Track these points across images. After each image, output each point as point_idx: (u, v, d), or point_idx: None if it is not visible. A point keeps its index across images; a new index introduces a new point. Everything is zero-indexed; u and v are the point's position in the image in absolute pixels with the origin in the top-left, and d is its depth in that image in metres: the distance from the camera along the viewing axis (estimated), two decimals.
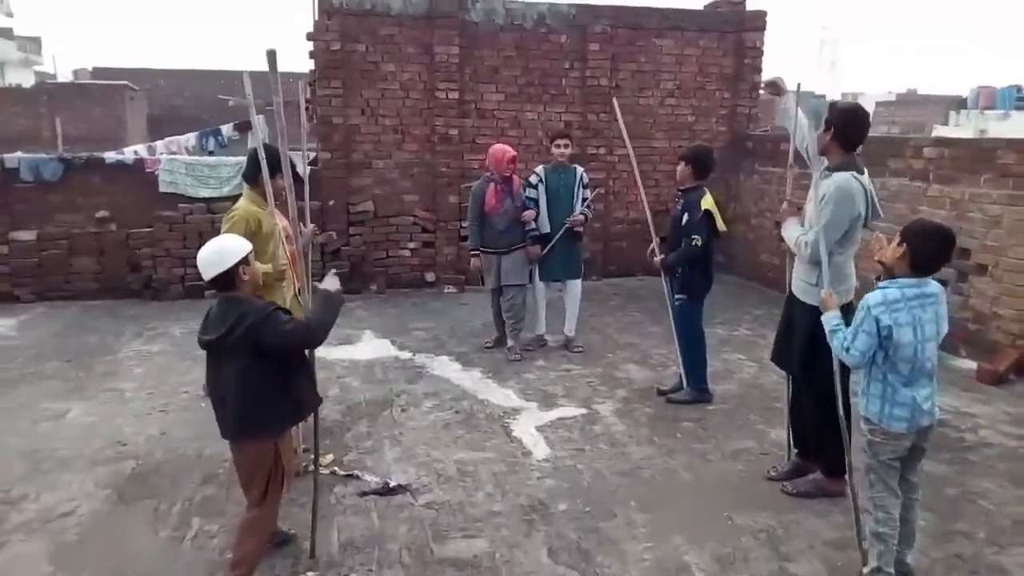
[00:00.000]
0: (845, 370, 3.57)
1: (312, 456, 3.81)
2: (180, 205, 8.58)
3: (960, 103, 32.70)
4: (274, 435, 3.20)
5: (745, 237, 9.67)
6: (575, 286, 6.72)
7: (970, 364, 6.28)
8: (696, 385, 5.48)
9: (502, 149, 6.40)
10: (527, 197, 6.46)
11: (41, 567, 3.45)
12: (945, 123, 29.06)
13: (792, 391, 4.33)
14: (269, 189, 3.81)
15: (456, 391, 5.76)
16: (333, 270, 3.68)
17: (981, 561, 3.54)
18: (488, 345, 6.80)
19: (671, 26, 9.75)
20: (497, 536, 3.73)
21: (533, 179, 6.51)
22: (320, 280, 3.55)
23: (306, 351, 3.30)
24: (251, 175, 4.34)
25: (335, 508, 3.98)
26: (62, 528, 3.78)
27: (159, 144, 12.49)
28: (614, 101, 6.32)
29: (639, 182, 5.89)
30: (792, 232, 4.01)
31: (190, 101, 30.46)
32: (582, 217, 6.49)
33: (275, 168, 4.07)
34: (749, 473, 4.43)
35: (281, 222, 4.35)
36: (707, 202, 5.17)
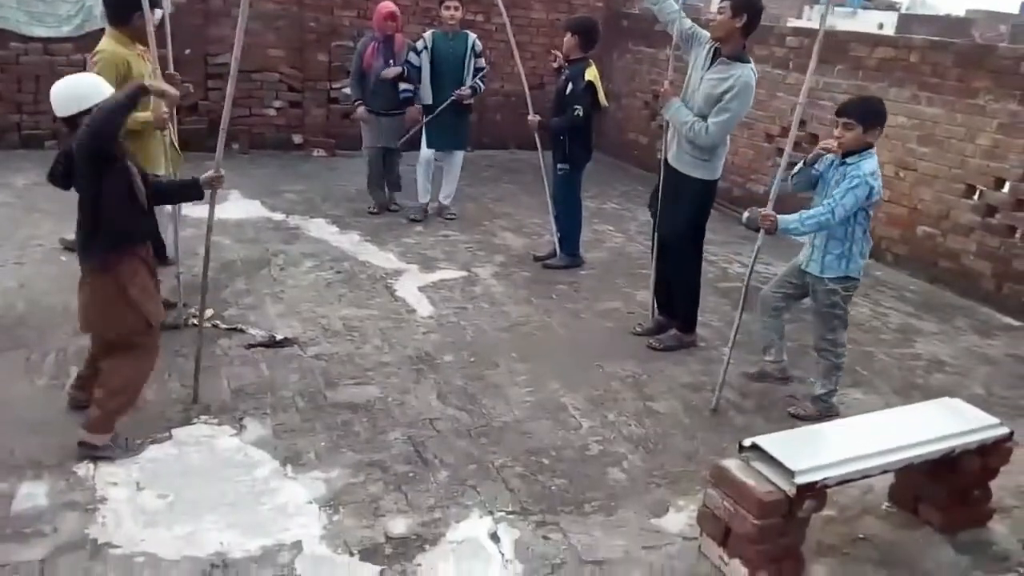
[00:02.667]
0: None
1: (192, 311, 3.74)
2: (12, 44, 7.62)
3: None
4: (106, 269, 3.03)
5: (614, 116, 9.92)
6: (457, 156, 6.60)
7: None
8: (570, 251, 5.78)
9: (383, 5, 6.18)
10: (407, 62, 6.18)
11: None
12: (799, 16, 30.36)
13: (660, 257, 4.67)
14: (151, 27, 3.55)
15: (335, 252, 5.74)
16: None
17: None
18: (372, 211, 6.65)
19: None
20: (388, 383, 3.90)
21: (419, 44, 6.18)
22: None
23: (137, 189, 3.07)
24: (118, 14, 3.97)
25: (221, 359, 3.98)
26: None
27: None
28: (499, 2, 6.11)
29: (516, 53, 5.85)
30: (681, 115, 4.20)
31: None
32: (470, 91, 6.20)
33: (137, 5, 3.78)
34: (617, 329, 4.81)
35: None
36: (591, 74, 5.29)
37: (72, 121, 2.96)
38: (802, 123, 7.10)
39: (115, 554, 2.59)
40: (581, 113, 5.28)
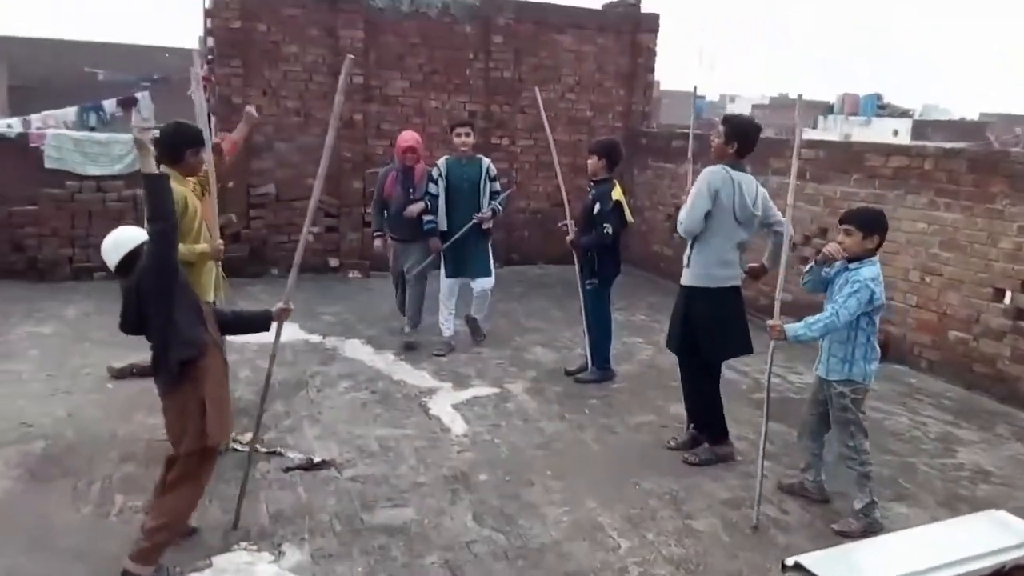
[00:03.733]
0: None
1: (234, 436, 3.85)
2: (67, 183, 8.18)
3: (827, 108, 35.20)
4: (179, 382, 3.18)
5: (639, 229, 10.16)
6: (482, 283, 6.40)
7: None
8: (601, 365, 5.84)
9: (402, 137, 6.33)
10: (427, 192, 6.18)
11: None
12: (814, 127, 31.17)
13: (682, 370, 4.72)
14: (210, 157, 3.84)
15: (371, 372, 5.87)
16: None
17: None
18: (407, 335, 6.46)
19: (571, 23, 10.12)
20: (424, 505, 3.91)
21: (434, 172, 6.19)
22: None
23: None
24: (172, 154, 4.29)
25: (260, 483, 4.04)
26: None
27: (34, 118, 11.75)
28: (536, 91, 6.51)
29: (558, 169, 6.10)
30: (680, 215, 4.46)
31: (55, 73, 28.54)
32: (490, 213, 6.19)
33: (196, 143, 4.10)
34: (652, 443, 4.80)
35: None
36: (617, 193, 5.53)
37: (123, 269, 3.19)
38: (824, 231, 7.29)
39: None
40: (611, 231, 5.47)
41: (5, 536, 3.46)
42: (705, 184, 4.28)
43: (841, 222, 3.86)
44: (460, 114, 9.57)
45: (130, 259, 3.18)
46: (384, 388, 5.55)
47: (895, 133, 27.46)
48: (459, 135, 6.18)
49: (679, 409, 4.93)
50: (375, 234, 6.59)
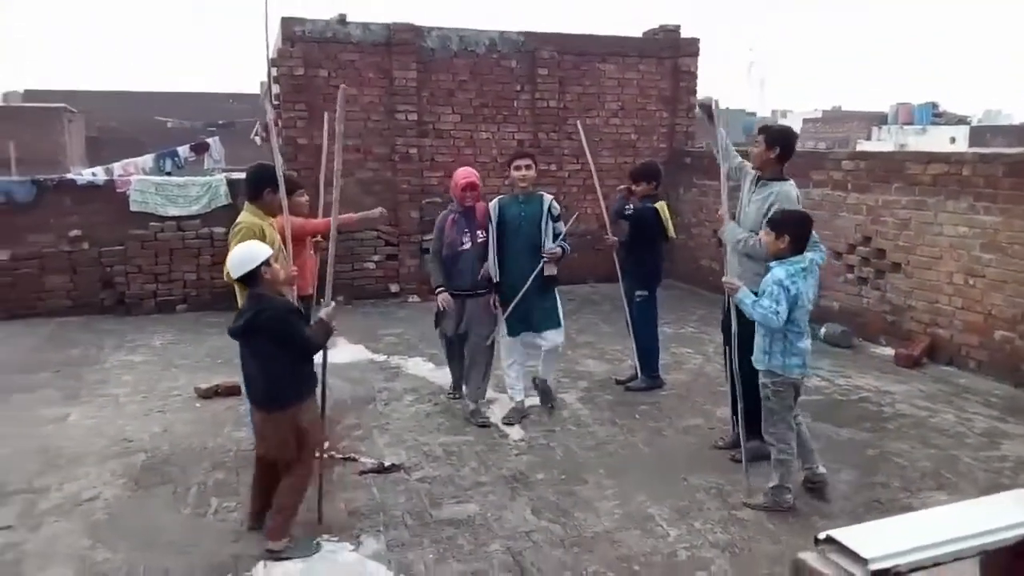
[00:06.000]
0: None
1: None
2: (151, 224, 8.88)
3: (881, 119, 34.77)
4: (286, 409, 3.67)
5: (686, 245, 10.42)
6: (554, 338, 5.47)
7: (888, 351, 7.08)
8: (650, 373, 6.12)
9: (459, 174, 5.39)
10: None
11: (81, 541, 3.82)
12: (868, 138, 30.84)
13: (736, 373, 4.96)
14: (285, 203, 4.32)
15: (433, 387, 6.26)
16: (332, 302, 4.06)
17: (895, 504, 4.20)
18: (451, 396, 5.87)
19: (613, 52, 10.52)
20: (486, 501, 4.25)
21: None
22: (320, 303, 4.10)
23: None
24: (252, 192, 4.78)
25: (338, 485, 4.44)
26: (90, 510, 4.15)
27: (116, 167, 12.67)
28: (579, 124, 6.90)
29: (599, 193, 6.51)
30: (735, 233, 4.62)
31: (127, 123, 30.31)
32: (559, 251, 5.26)
33: (271, 183, 4.57)
34: (700, 444, 5.06)
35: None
36: (659, 206, 5.88)
37: (244, 280, 3.68)
38: (868, 239, 7.45)
39: None
40: (631, 216, 5.89)
41: (119, 535, 3.91)
42: (791, 203, 4.39)
43: (766, 222, 4.13)
44: (509, 143, 10.04)
45: (251, 275, 3.66)
46: (445, 401, 5.92)
47: (952, 140, 27.01)
48: (518, 168, 5.28)
49: (726, 412, 5.16)
50: (438, 290, 5.37)
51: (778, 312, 3.87)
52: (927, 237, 6.81)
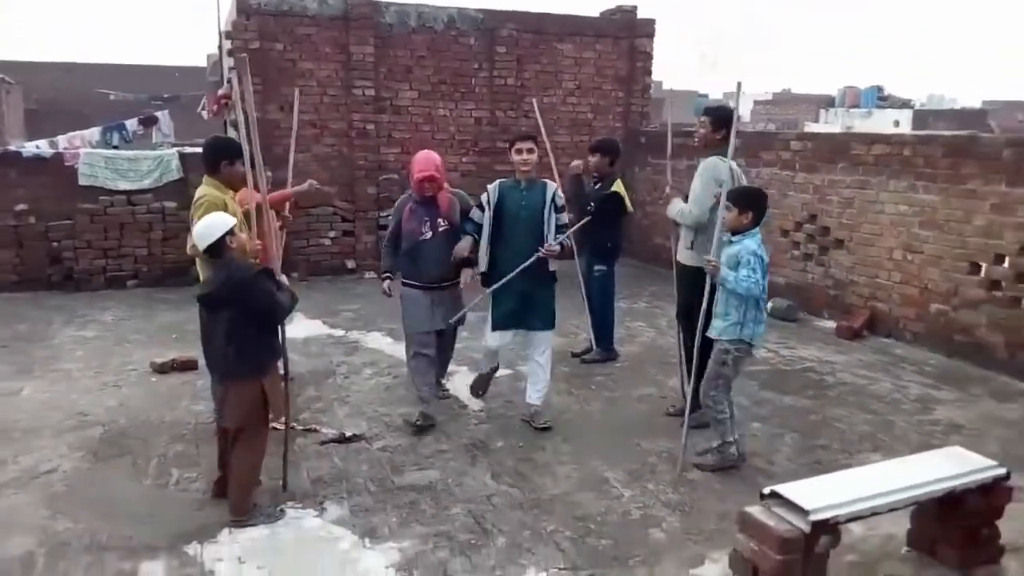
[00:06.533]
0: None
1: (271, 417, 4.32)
2: (100, 198, 8.69)
3: (829, 102, 35.51)
4: (254, 378, 3.71)
5: (640, 224, 10.61)
6: (542, 339, 4.96)
7: (831, 324, 7.38)
8: (606, 347, 6.28)
9: (418, 163, 4.82)
10: (469, 221, 4.88)
11: (40, 512, 3.82)
12: (816, 120, 31.48)
13: (690, 345, 5.14)
14: (251, 177, 4.25)
15: (392, 360, 6.32)
16: (283, 276, 4.12)
17: (835, 464, 4.43)
18: (417, 423, 4.87)
19: (571, 31, 10.60)
20: (447, 467, 4.36)
21: (484, 198, 4.87)
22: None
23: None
24: (209, 166, 4.73)
25: (300, 455, 4.49)
26: (49, 482, 4.14)
27: (61, 139, 12.31)
28: (534, 103, 6.96)
29: (555, 171, 6.57)
30: (676, 206, 4.89)
31: (68, 95, 29.29)
32: (558, 248, 4.79)
33: (234, 155, 4.53)
34: (652, 412, 5.25)
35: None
36: (617, 186, 6.02)
37: (210, 251, 3.69)
38: (813, 217, 7.71)
39: None
40: (593, 208, 5.93)
41: (79, 506, 3.91)
42: (711, 177, 4.63)
43: (726, 198, 4.23)
44: (467, 121, 10.08)
45: (216, 246, 3.67)
46: (405, 374, 5.97)
47: (896, 124, 27.76)
48: (519, 151, 4.78)
49: (677, 383, 5.35)
50: (384, 276, 5.07)
51: (758, 281, 4.05)
52: (869, 215, 7.09)
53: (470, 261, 4.92)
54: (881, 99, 33.66)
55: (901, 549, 3.54)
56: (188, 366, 5.88)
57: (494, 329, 4.97)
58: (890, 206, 6.87)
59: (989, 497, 3.35)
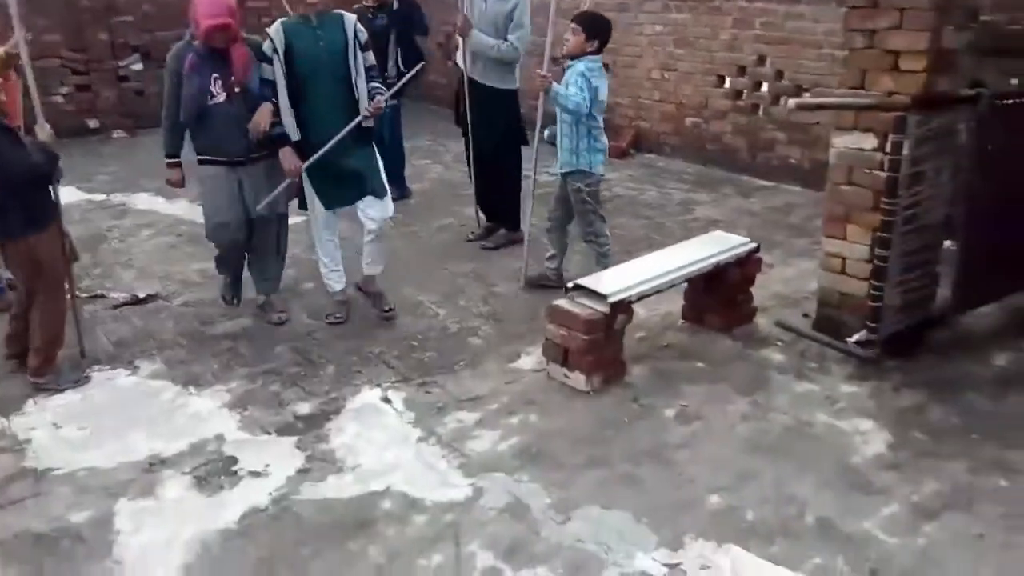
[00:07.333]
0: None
1: None
2: None
3: None
4: (22, 238, 3.39)
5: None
6: (380, 211, 4.11)
7: None
8: (398, 185, 6.29)
9: (205, 5, 3.70)
10: (263, 82, 3.85)
11: None
12: None
13: (481, 170, 5.32)
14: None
15: (170, 220, 5.91)
16: (47, 125, 3.65)
17: (615, 260, 4.93)
18: (228, 300, 4.35)
19: None
20: (259, 314, 4.29)
21: (267, 47, 3.83)
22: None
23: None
24: None
25: (93, 322, 4.19)
26: None
27: None
28: None
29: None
30: (485, 41, 4.84)
31: None
32: (383, 104, 3.98)
33: None
34: (454, 240, 5.46)
35: None
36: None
37: None
38: None
39: (58, 474, 2.93)
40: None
41: None
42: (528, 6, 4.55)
43: (572, 20, 4.23)
44: None
45: None
46: (189, 231, 5.63)
47: None
48: None
49: (472, 212, 5.56)
50: (169, 160, 4.05)
51: (585, 98, 4.09)
52: (631, 37, 7.51)
53: (278, 138, 3.88)
54: None
55: (677, 322, 4.14)
56: None
57: (325, 208, 4.10)
58: (648, 27, 7.32)
59: (744, 268, 3.98)
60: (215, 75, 3.81)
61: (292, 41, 3.81)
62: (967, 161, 3.58)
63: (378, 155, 4.15)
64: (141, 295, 4.51)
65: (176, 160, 4.06)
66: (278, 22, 3.90)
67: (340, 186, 4.05)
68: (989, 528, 2.62)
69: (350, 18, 3.94)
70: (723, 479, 2.87)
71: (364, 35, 3.96)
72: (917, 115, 3.34)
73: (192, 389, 3.53)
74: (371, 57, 4.01)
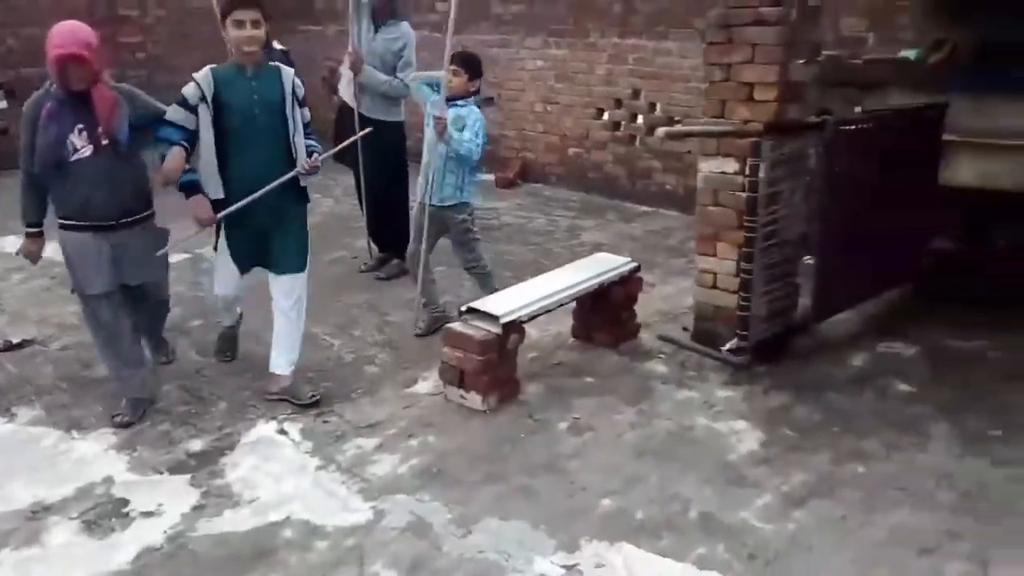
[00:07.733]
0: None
1: None
2: None
3: None
4: None
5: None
6: (296, 286, 3.83)
7: (490, 176, 8.12)
8: None
9: (57, 37, 3.15)
10: (169, 125, 3.41)
11: None
12: None
13: (371, 202, 5.39)
14: None
15: (43, 262, 5.55)
16: None
17: (504, 284, 5.09)
18: (121, 420, 3.51)
19: None
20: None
21: (191, 93, 3.41)
22: None
23: None
24: None
25: None
26: None
27: None
28: None
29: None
30: (377, 77, 4.97)
31: None
32: (319, 163, 3.70)
33: None
34: (347, 272, 5.49)
35: None
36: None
37: None
38: None
39: None
40: None
41: None
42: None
43: (452, 62, 4.12)
44: None
45: None
46: (63, 273, 5.30)
47: None
48: (240, 24, 3.38)
49: (364, 243, 5.61)
50: (29, 230, 3.58)
51: (480, 145, 4.15)
52: (514, 72, 7.80)
53: (186, 185, 3.47)
54: None
55: (568, 340, 4.33)
56: None
57: (233, 263, 3.75)
58: (530, 62, 7.64)
59: (627, 287, 4.22)
60: (79, 125, 3.26)
61: (221, 91, 3.43)
62: (818, 182, 3.97)
63: (304, 220, 3.83)
64: (15, 340, 4.31)
65: (37, 230, 3.54)
66: (207, 68, 3.48)
67: (260, 250, 3.70)
68: (850, 510, 2.89)
69: (288, 71, 3.61)
70: (613, 484, 3.04)
71: (302, 90, 3.64)
72: (770, 140, 3.68)
73: (75, 433, 3.41)
74: (308, 113, 3.70)
